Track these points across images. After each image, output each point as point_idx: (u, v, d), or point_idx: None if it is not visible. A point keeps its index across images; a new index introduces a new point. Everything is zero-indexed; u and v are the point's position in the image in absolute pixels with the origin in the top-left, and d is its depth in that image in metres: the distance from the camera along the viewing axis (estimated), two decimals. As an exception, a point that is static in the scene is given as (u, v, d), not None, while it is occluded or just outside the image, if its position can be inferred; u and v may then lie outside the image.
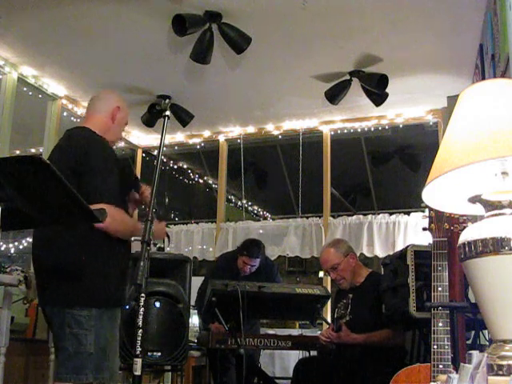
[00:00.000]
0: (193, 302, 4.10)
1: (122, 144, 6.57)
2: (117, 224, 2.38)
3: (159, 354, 3.46)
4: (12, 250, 7.94)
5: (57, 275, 2.37)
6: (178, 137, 6.42)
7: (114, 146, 2.72)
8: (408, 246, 2.77)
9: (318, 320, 4.37)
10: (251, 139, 6.36)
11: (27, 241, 7.64)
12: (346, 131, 5.93)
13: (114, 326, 2.41)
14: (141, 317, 2.00)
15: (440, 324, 2.06)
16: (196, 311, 5.07)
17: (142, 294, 2.02)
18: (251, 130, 6.17)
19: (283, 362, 5.31)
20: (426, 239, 2.48)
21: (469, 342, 2.65)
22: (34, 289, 3.77)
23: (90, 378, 2.28)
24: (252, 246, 4.39)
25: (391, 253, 4.62)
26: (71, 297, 2.33)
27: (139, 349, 1.97)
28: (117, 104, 2.65)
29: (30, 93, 5.11)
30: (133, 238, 2.64)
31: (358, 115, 5.71)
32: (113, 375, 2.38)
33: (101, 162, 2.41)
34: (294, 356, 4.05)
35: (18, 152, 5.93)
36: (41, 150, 5.50)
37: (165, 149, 5.66)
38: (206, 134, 6.33)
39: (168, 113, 2.28)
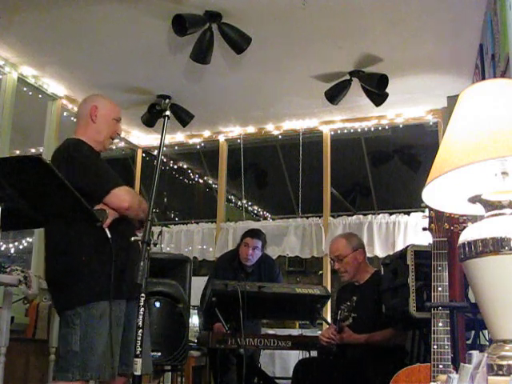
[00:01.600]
0: (193, 302, 4.10)
1: (121, 144, 6.58)
2: (139, 202, 2.53)
3: (159, 354, 3.45)
4: (12, 250, 7.94)
5: (52, 282, 2.51)
6: (177, 137, 6.43)
7: (109, 144, 2.73)
8: (408, 246, 2.77)
9: (318, 320, 4.36)
10: (251, 139, 6.37)
11: (27, 241, 7.65)
12: (346, 131, 5.93)
13: (103, 322, 2.36)
14: (141, 317, 2.00)
15: (440, 324, 2.06)
16: (196, 311, 5.07)
17: (142, 294, 2.02)
18: (251, 130, 6.17)
19: (283, 361, 5.31)
20: (426, 239, 2.48)
21: (469, 342, 2.65)
22: (34, 289, 3.79)
23: (76, 376, 2.29)
24: (253, 229, 4.57)
25: (391, 253, 4.62)
26: (62, 300, 2.44)
27: (139, 349, 1.97)
28: (92, 104, 2.68)
29: (30, 93, 5.11)
30: (133, 238, 2.64)
31: (358, 115, 5.71)
32: (105, 372, 2.33)
33: (84, 159, 2.52)
34: (294, 356, 4.05)
35: (17, 152, 5.93)
36: (41, 150, 5.50)
37: (165, 149, 5.66)
38: (206, 134, 6.34)
39: (168, 113, 2.28)
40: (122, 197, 2.45)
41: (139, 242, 2.30)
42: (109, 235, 2.39)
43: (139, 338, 1.98)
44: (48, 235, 2.51)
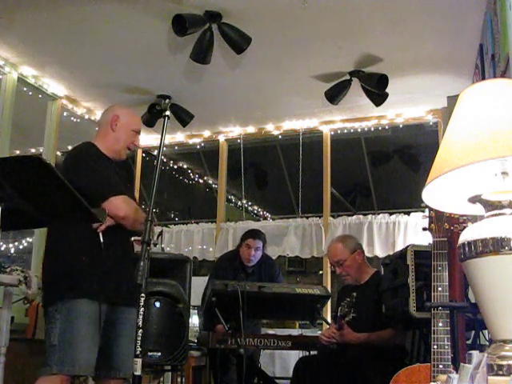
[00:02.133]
0: (193, 302, 4.10)
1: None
2: (134, 213, 2.56)
3: (159, 354, 3.45)
4: (12, 250, 7.94)
5: (43, 280, 2.61)
6: (177, 137, 6.42)
7: (125, 154, 2.78)
8: (408, 246, 2.77)
9: (318, 320, 4.36)
10: (251, 139, 6.37)
11: (27, 241, 7.64)
12: (346, 131, 5.93)
13: (82, 318, 2.40)
14: (141, 317, 2.00)
15: (440, 324, 2.06)
16: (196, 311, 5.07)
17: (142, 294, 2.02)
18: (251, 130, 6.17)
19: (283, 361, 5.31)
20: (426, 239, 2.48)
21: (469, 342, 2.65)
22: (34, 289, 3.78)
23: (53, 370, 2.33)
24: (254, 230, 4.59)
25: (391, 253, 4.61)
26: (47, 297, 2.52)
27: (139, 349, 1.97)
28: (114, 113, 2.75)
29: (30, 93, 5.11)
30: (133, 238, 2.64)
31: (358, 115, 5.71)
32: (81, 367, 2.37)
33: (90, 163, 2.59)
34: (294, 356, 4.04)
35: (17, 152, 5.93)
36: (41, 150, 5.50)
37: (165, 149, 5.67)
38: (206, 134, 6.33)
39: (168, 113, 2.28)
40: (119, 205, 2.49)
41: (134, 251, 2.34)
42: (101, 240, 2.41)
43: (139, 338, 1.98)
44: (47, 235, 2.63)
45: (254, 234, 4.44)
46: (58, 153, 5.42)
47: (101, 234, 2.42)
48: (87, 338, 2.40)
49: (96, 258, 2.43)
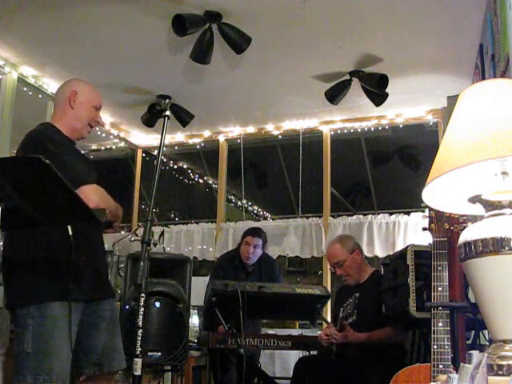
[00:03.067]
0: (193, 302, 4.10)
1: (122, 144, 6.58)
2: (105, 201, 2.36)
3: (159, 354, 3.45)
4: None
5: (6, 275, 2.39)
6: (177, 137, 6.42)
7: (87, 132, 2.58)
8: (408, 246, 2.77)
9: (318, 320, 4.36)
10: (251, 139, 6.36)
11: (27, 241, 7.61)
12: (346, 131, 5.93)
13: (57, 323, 2.24)
14: (141, 317, 2.00)
15: (440, 324, 2.06)
16: (196, 311, 5.07)
17: (142, 294, 2.02)
18: (251, 130, 6.17)
19: (283, 361, 5.30)
20: (426, 239, 2.48)
21: (469, 342, 2.65)
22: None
23: (28, 379, 2.18)
24: (254, 227, 4.60)
25: (391, 253, 4.61)
26: (14, 297, 2.33)
27: (139, 349, 1.97)
28: (72, 89, 2.55)
29: (30, 93, 5.11)
30: (133, 238, 2.63)
31: (358, 115, 5.71)
32: (58, 375, 2.21)
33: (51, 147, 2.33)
34: (294, 356, 4.05)
35: (18, 152, 5.92)
36: (41, 150, 5.48)
37: (165, 149, 5.67)
38: (206, 134, 6.34)
39: (168, 113, 2.27)
40: (89, 195, 2.21)
41: (105, 243, 2.25)
42: (70, 233, 2.22)
43: (139, 338, 1.98)
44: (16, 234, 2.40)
45: (254, 231, 4.45)
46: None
47: (69, 227, 2.23)
48: (62, 344, 2.24)
49: (66, 256, 2.24)
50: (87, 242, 2.43)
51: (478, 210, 1.52)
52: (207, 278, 4.48)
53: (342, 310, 3.53)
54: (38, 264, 2.31)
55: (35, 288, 2.28)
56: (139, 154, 6.72)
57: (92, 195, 2.28)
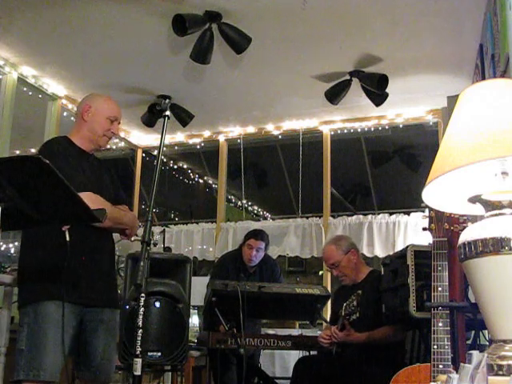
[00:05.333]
0: (193, 302, 4.10)
1: (122, 144, 6.58)
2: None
3: (159, 354, 3.45)
4: (12, 250, 7.93)
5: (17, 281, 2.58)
6: (178, 137, 6.42)
7: (104, 143, 2.64)
8: (408, 246, 2.77)
9: (318, 320, 4.36)
10: (251, 139, 6.37)
11: (27, 241, 7.62)
12: (346, 131, 5.93)
13: (49, 322, 2.33)
14: (141, 317, 2.00)
15: (440, 324, 2.06)
16: (196, 311, 5.07)
17: (142, 294, 2.02)
18: (251, 130, 6.17)
19: (283, 361, 5.30)
20: (426, 239, 2.48)
21: (469, 342, 2.65)
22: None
23: (20, 376, 2.29)
24: (257, 230, 4.57)
25: (391, 253, 4.61)
26: (19, 298, 2.50)
27: (139, 349, 1.97)
28: (85, 103, 2.65)
29: (30, 93, 5.11)
30: (133, 238, 2.63)
31: (358, 115, 5.71)
32: (46, 371, 2.30)
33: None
34: (294, 356, 4.04)
35: (17, 152, 5.93)
36: (41, 150, 5.49)
37: (165, 149, 5.67)
38: (206, 134, 6.34)
39: (168, 113, 2.27)
40: None
41: (107, 251, 2.26)
42: (67, 238, 2.28)
43: (139, 338, 1.98)
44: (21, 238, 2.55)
45: (257, 234, 4.42)
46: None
47: (67, 233, 2.28)
48: (54, 342, 2.31)
49: (62, 258, 2.28)
50: (90, 242, 2.48)
51: (478, 210, 1.52)
52: (207, 278, 4.48)
53: (343, 308, 3.53)
54: (37, 266, 2.42)
55: (33, 289, 2.41)
56: (139, 154, 6.72)
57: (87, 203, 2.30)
